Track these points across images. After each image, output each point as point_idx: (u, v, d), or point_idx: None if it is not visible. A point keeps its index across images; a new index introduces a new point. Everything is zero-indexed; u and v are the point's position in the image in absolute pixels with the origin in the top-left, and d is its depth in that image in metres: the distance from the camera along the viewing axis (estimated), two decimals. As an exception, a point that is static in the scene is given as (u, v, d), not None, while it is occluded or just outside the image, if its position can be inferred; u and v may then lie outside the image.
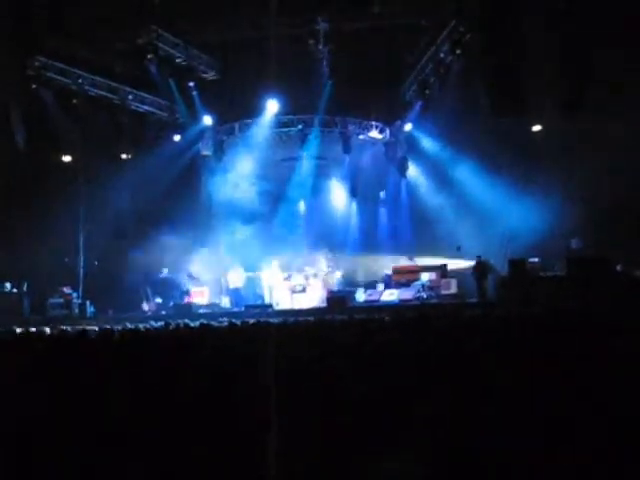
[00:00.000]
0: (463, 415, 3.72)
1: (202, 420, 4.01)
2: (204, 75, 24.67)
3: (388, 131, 26.91)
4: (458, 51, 21.55)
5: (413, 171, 27.53)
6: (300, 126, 25.14)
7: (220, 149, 26.47)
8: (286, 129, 25.50)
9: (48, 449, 3.84)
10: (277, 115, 24.77)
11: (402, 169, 27.69)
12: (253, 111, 24.58)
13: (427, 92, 23.89)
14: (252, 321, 12.62)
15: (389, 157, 27.48)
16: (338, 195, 28.40)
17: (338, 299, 21.57)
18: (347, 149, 25.76)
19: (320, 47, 22.08)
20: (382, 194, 28.36)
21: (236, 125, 25.66)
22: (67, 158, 24.65)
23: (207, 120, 25.36)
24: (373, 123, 26.37)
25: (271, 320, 13.15)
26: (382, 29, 21.65)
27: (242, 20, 22.08)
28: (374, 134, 26.67)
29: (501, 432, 3.50)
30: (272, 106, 24.27)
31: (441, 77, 22.97)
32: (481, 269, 20.95)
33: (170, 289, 24.55)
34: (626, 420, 3.47)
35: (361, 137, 26.48)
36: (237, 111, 24.80)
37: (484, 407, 3.82)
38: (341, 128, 25.69)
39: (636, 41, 17.82)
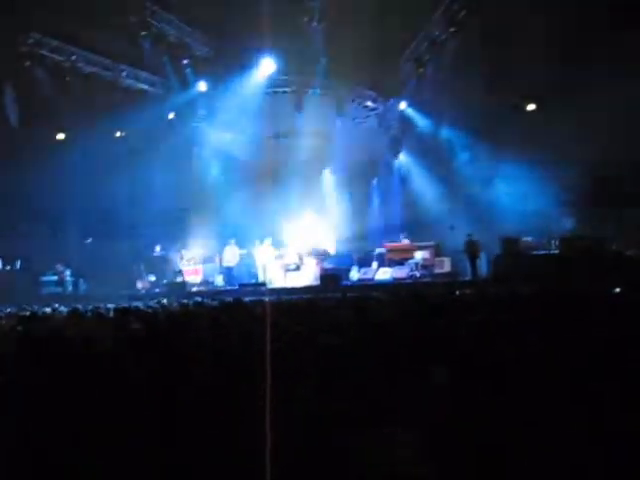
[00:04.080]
0: (460, 393, 3.74)
1: (198, 398, 4.04)
2: (198, 53, 24.47)
3: (382, 103, 26.77)
4: (453, 29, 21.51)
5: (406, 150, 27.59)
6: (294, 87, 24.91)
7: (214, 116, 26.29)
8: (280, 89, 25.21)
9: (47, 427, 3.87)
10: (271, 76, 24.39)
11: (395, 149, 27.74)
12: (247, 73, 24.23)
13: (421, 70, 23.84)
14: (246, 299, 12.63)
15: (382, 128, 27.41)
16: (330, 174, 28.44)
17: (332, 277, 21.55)
18: (340, 111, 25.63)
19: (314, 25, 21.95)
20: (374, 181, 28.52)
21: (230, 89, 24.87)
22: (61, 135, 24.58)
23: (202, 86, 25.02)
24: (367, 92, 26.19)
25: (265, 298, 13.19)
26: (377, 6, 21.50)
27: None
28: (368, 103, 26.54)
29: (499, 409, 3.53)
30: (267, 65, 23.92)
31: (436, 55, 22.91)
32: (472, 247, 20.99)
33: (164, 267, 24.57)
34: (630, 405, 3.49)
35: (355, 102, 26.26)
36: (231, 76, 24.39)
37: (481, 385, 3.85)
38: (335, 92, 25.45)
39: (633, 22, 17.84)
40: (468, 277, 20.65)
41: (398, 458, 3.25)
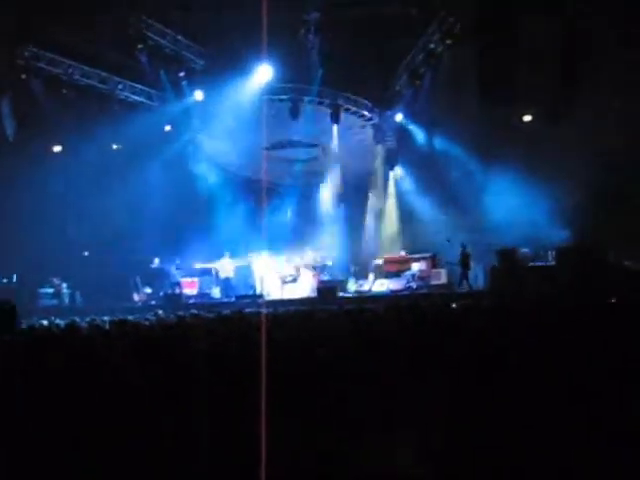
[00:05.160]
0: (459, 397, 3.75)
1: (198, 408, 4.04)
2: (193, 65, 24.47)
3: (378, 114, 26.77)
4: (449, 41, 21.56)
5: (402, 163, 27.65)
6: (290, 95, 24.76)
7: (209, 126, 26.09)
8: (276, 97, 24.96)
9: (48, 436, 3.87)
10: (268, 84, 24.10)
11: (391, 161, 27.80)
12: (243, 80, 24.09)
13: (418, 82, 23.88)
14: (242, 311, 12.61)
15: (378, 140, 27.42)
16: (326, 188, 28.42)
17: (329, 289, 21.55)
18: (335, 119, 25.51)
19: (311, 37, 22.00)
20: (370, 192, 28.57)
21: (226, 97, 24.36)
22: (57, 148, 24.59)
23: (198, 95, 24.90)
24: (363, 101, 26.14)
25: (262, 310, 13.19)
26: (373, 19, 21.57)
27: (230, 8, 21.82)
28: (364, 112, 26.49)
29: (496, 416, 3.54)
30: (263, 72, 23.64)
31: (432, 67, 22.96)
32: (464, 259, 21.05)
33: (161, 279, 24.52)
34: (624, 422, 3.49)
35: (351, 111, 26.18)
36: (227, 84, 24.20)
37: (479, 389, 3.85)
38: (331, 100, 25.41)
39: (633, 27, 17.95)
40: (465, 289, 20.63)
41: (396, 459, 3.26)
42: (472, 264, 21.13)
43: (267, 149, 25.90)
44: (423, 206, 25.93)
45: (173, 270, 24.71)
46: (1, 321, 6.13)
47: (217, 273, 24.62)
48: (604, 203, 19.67)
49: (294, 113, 24.68)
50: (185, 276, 24.87)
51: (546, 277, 17.45)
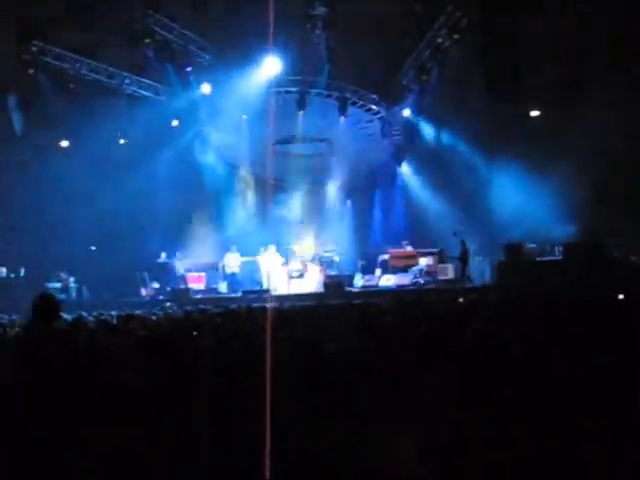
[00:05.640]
0: (464, 393, 3.76)
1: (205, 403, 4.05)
2: (200, 59, 24.42)
3: (385, 108, 26.66)
4: (456, 36, 21.53)
5: (409, 158, 27.65)
6: (297, 87, 24.61)
7: (217, 119, 26.02)
8: (283, 89, 24.66)
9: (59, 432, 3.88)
10: (276, 76, 23.73)
11: (398, 157, 27.78)
12: (251, 73, 24.01)
13: (425, 77, 23.84)
14: (250, 306, 12.63)
15: (385, 134, 27.34)
16: (333, 183, 28.39)
17: (335, 284, 21.54)
18: (342, 111, 25.31)
19: (318, 32, 21.96)
20: (377, 187, 28.57)
21: (233, 90, 24.20)
22: (65, 143, 24.61)
23: (205, 88, 24.82)
24: (370, 95, 26.04)
25: (268, 305, 13.22)
26: (380, 14, 21.52)
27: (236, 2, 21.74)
28: (372, 106, 26.38)
29: (502, 409, 3.54)
30: (271, 65, 23.39)
31: (439, 62, 22.93)
32: (464, 253, 21.10)
33: (168, 274, 24.51)
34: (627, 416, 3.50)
35: (358, 104, 26.05)
36: (234, 77, 24.09)
37: (486, 382, 3.86)
38: (339, 93, 25.18)
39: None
40: (467, 283, 20.66)
41: (403, 452, 3.27)
42: (471, 259, 21.26)
43: (274, 144, 25.89)
44: (430, 201, 25.95)
45: (177, 264, 24.68)
46: (50, 314, 6.10)
47: (223, 268, 24.61)
48: (611, 199, 19.63)
49: (301, 104, 24.60)
50: (190, 270, 24.88)
51: (554, 272, 17.46)
